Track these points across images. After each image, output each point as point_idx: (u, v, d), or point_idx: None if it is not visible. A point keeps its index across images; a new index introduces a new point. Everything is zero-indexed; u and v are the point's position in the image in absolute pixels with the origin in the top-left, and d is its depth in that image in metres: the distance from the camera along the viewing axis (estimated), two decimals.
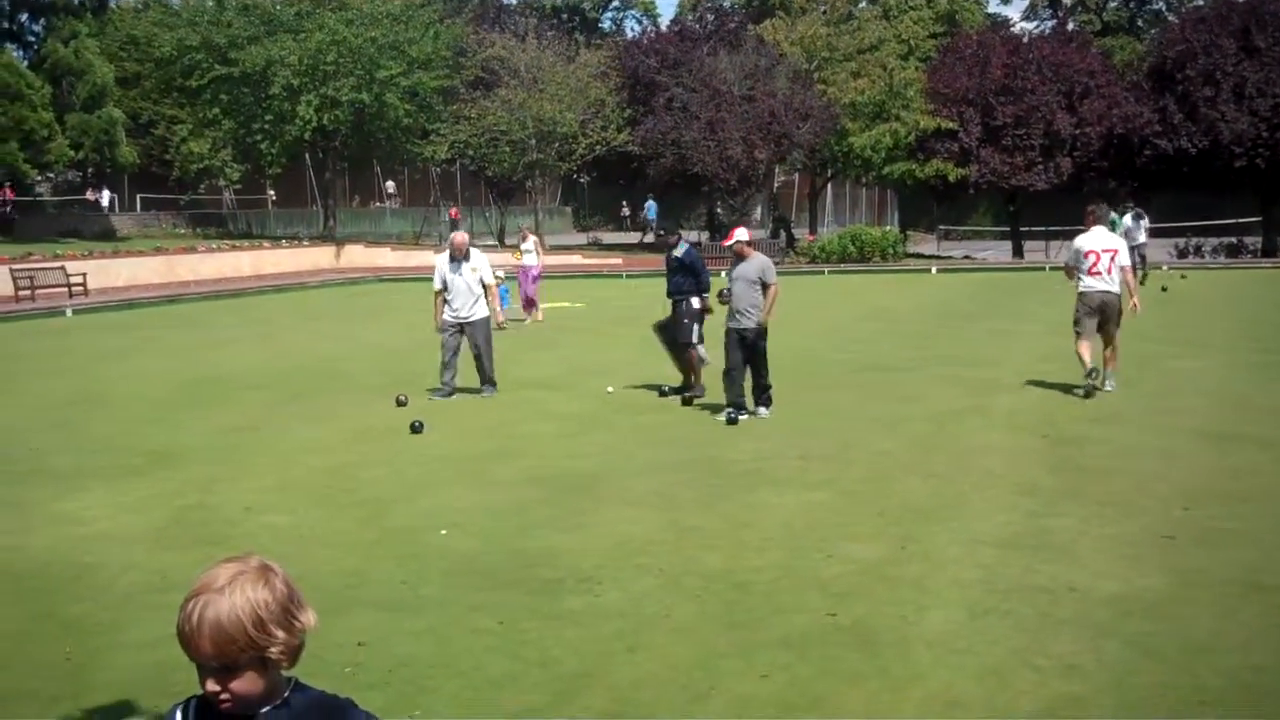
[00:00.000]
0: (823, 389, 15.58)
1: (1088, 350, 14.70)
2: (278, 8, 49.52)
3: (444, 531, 8.94)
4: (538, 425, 13.36)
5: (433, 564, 8.11)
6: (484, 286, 15.56)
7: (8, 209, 54.42)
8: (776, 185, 57.94)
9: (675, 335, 15.02)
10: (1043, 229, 49.26)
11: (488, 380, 15.65)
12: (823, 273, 41.70)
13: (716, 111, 45.99)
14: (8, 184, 56.03)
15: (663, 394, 15.07)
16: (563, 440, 12.54)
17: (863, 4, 57.56)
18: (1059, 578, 7.51)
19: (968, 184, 49.34)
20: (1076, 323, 14.96)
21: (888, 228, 52.98)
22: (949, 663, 6.16)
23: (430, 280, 16.06)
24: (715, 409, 13.91)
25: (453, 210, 56.50)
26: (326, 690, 2.52)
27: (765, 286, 13.50)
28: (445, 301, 15.47)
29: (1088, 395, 14.39)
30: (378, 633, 6.72)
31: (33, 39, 50.23)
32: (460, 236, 16.03)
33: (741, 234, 13.87)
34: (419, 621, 6.94)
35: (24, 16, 49.73)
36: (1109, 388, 14.83)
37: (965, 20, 70.75)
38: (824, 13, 52.67)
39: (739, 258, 13.69)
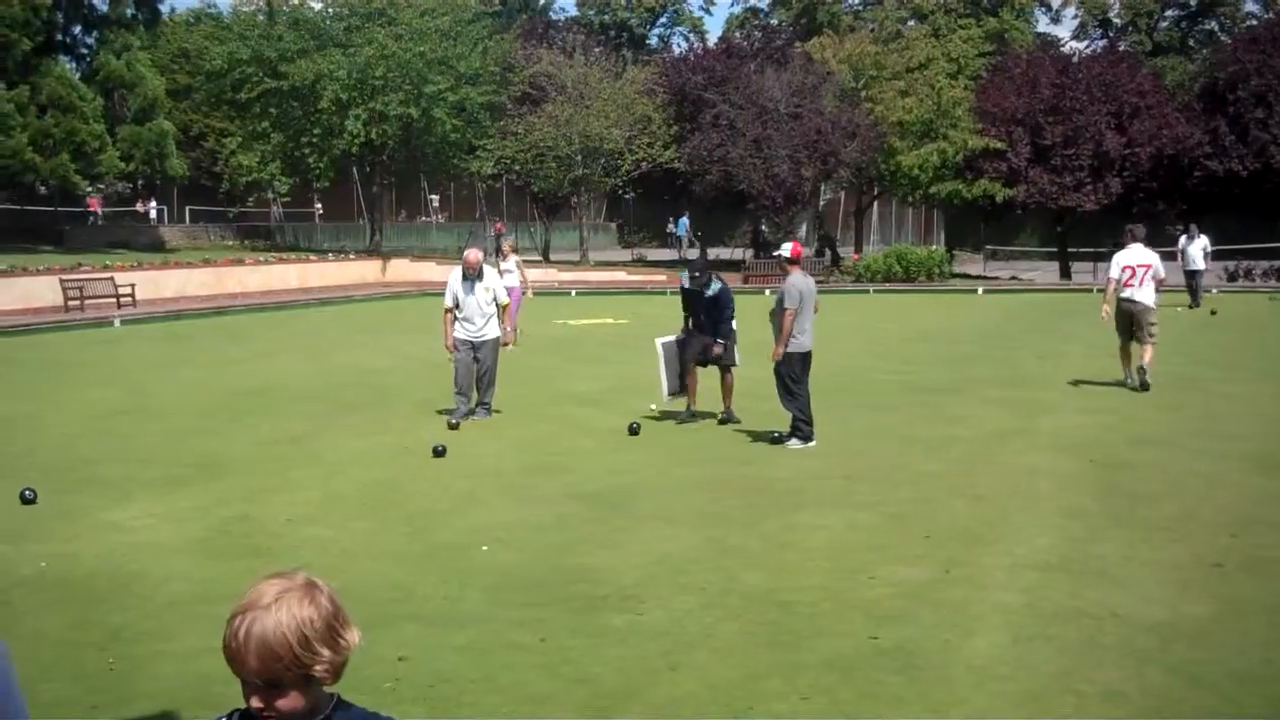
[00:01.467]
0: (868, 409, 15.52)
1: (1125, 359, 17.35)
2: (327, 22, 49.86)
3: (486, 547, 8.95)
4: (579, 441, 13.36)
5: (475, 579, 8.12)
6: (497, 305, 15.25)
7: (93, 220, 55.18)
8: (822, 203, 57.81)
9: (710, 356, 14.71)
10: (1090, 250, 48.89)
11: (484, 404, 15.21)
12: (868, 292, 41.56)
13: (763, 129, 45.96)
14: (91, 195, 56.83)
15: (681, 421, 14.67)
16: (604, 456, 12.53)
17: (911, 22, 57.43)
18: (1103, 603, 7.45)
19: (1015, 204, 49.04)
20: (1117, 329, 17.50)
21: (934, 247, 52.78)
22: (991, 688, 6.11)
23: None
24: (756, 431, 13.89)
25: (498, 224, 56.71)
26: (368, 708, 2.53)
27: (784, 311, 13.09)
28: (456, 320, 15.10)
29: (1135, 389, 16.80)
30: (419, 647, 6.73)
31: (86, 51, 50.78)
32: (474, 254, 15.63)
33: (783, 250, 13.43)
34: (460, 636, 6.94)
35: (77, 29, 50.26)
36: (1142, 381, 16.82)
37: (1015, 39, 70.50)
38: (872, 31, 52.65)
39: (785, 275, 13.49)
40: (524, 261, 26.30)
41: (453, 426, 14.18)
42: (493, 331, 15.16)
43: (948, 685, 6.16)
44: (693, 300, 14.86)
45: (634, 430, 13.71)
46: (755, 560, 8.53)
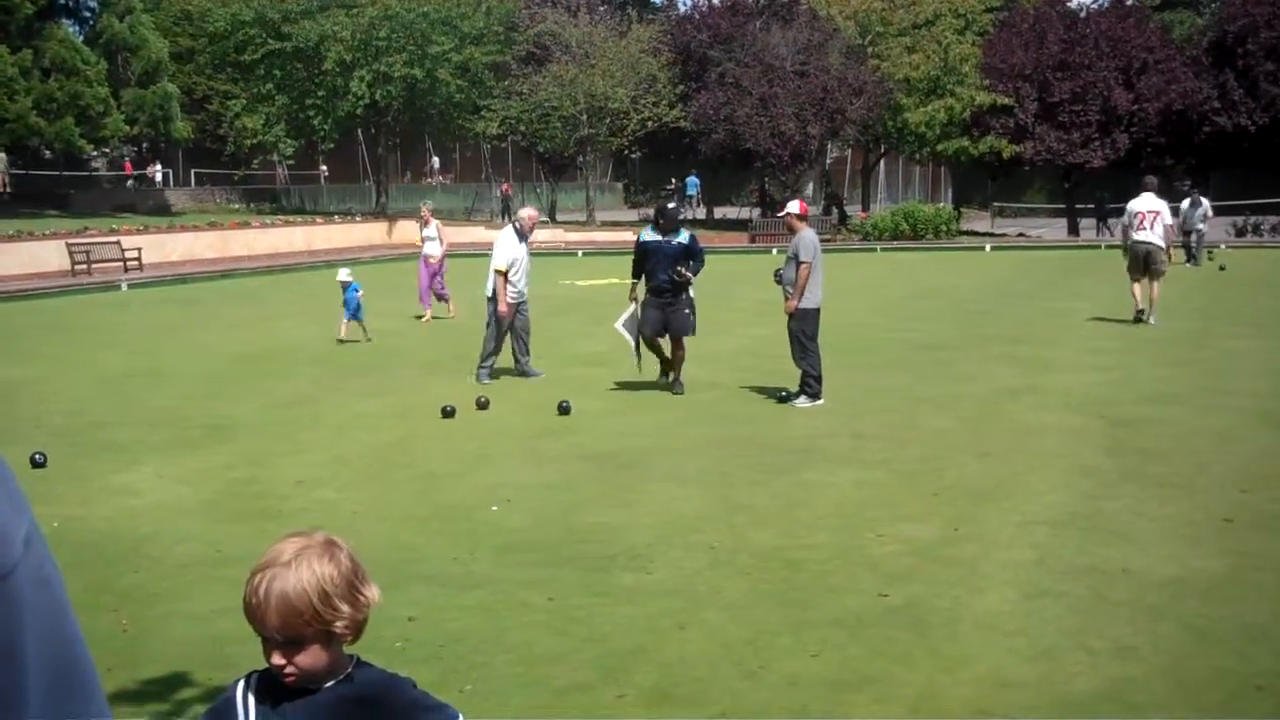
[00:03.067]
0: (876, 368, 15.50)
1: (1139, 291, 19.44)
2: None
3: (495, 507, 8.96)
4: (588, 402, 13.35)
5: (484, 540, 8.13)
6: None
7: (128, 184, 55.07)
8: (829, 162, 57.60)
9: (671, 328, 13.86)
10: (1094, 206, 48.73)
11: (525, 361, 15.29)
12: (875, 250, 41.46)
13: (769, 87, 45.76)
14: (127, 159, 56.68)
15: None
16: (613, 417, 12.53)
17: None
18: (1114, 560, 7.45)
19: (1023, 161, 48.90)
20: (1129, 267, 19.61)
21: (941, 205, 52.58)
22: (1001, 644, 6.12)
23: (487, 256, 15.43)
24: (765, 390, 13.88)
25: (504, 186, 56.50)
26: (385, 668, 2.54)
27: (799, 265, 12.92)
28: (509, 281, 14.95)
29: (1136, 321, 19.20)
30: (429, 607, 6.75)
31: (88, 14, 50.56)
32: (533, 212, 15.75)
33: (791, 207, 13.38)
34: (470, 597, 6.96)
35: None
36: (1153, 323, 19.14)
37: None
38: None
39: (791, 231, 13.43)
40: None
41: (483, 405, 13.03)
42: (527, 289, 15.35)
43: (957, 642, 6.16)
44: (653, 255, 13.85)
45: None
46: (764, 519, 8.54)
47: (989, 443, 10.91)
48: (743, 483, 9.60)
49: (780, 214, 13.65)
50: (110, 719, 1.15)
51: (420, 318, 21.99)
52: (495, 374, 15.02)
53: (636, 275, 14.26)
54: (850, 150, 60.67)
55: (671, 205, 14.44)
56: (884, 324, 20.15)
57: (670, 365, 14.07)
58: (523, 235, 15.19)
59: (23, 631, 1.01)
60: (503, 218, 54.54)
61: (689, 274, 13.73)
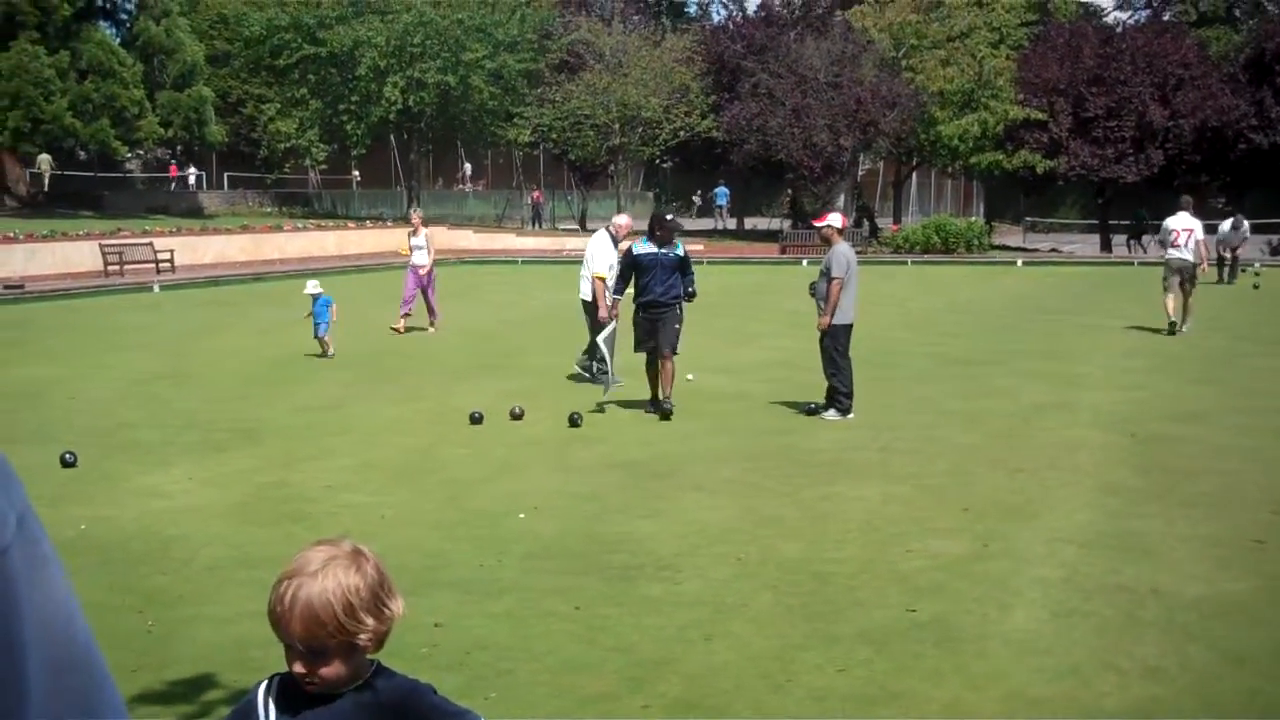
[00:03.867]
0: (905, 381, 15.45)
1: (1172, 304, 20.32)
2: None
3: (523, 515, 8.96)
4: (616, 411, 13.34)
5: (512, 547, 8.13)
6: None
7: (172, 185, 55.38)
8: (860, 173, 57.50)
9: (658, 341, 13.30)
10: (1132, 223, 48.48)
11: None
12: (906, 263, 41.32)
13: (802, 98, 45.71)
14: (174, 162, 57.03)
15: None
16: (642, 426, 12.52)
17: None
18: (1143, 579, 7.39)
19: (1056, 175, 48.70)
20: (1164, 280, 20.60)
21: (973, 219, 52.44)
22: (1030, 663, 6.07)
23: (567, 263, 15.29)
24: (794, 401, 13.83)
25: (535, 193, 56.52)
26: (407, 674, 2.54)
27: (831, 280, 12.78)
28: (606, 286, 14.80)
29: (1170, 333, 19.99)
30: (455, 614, 6.74)
31: (125, 17, 50.87)
32: (625, 220, 15.98)
33: (832, 219, 13.16)
34: (497, 604, 6.95)
35: None
36: (1186, 330, 20.21)
37: (1058, 9, 69.68)
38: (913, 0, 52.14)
39: (828, 245, 13.16)
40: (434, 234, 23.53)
41: (517, 416, 12.89)
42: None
43: (986, 659, 6.12)
44: (649, 267, 13.30)
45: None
46: (792, 531, 8.51)
47: (1018, 459, 10.85)
48: (771, 494, 9.57)
49: (819, 224, 13.40)
50: (114, 694, 1.14)
51: (395, 329, 20.98)
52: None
53: (620, 290, 13.90)
54: (882, 162, 60.56)
55: (670, 216, 13.95)
56: (914, 338, 20.09)
57: (659, 385, 13.37)
58: (616, 241, 15.29)
59: (20, 612, 1.00)
60: (533, 225, 54.65)
61: (691, 290, 13.55)
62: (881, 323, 21.59)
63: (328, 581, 2.31)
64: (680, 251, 13.47)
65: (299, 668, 2.34)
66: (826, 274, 12.83)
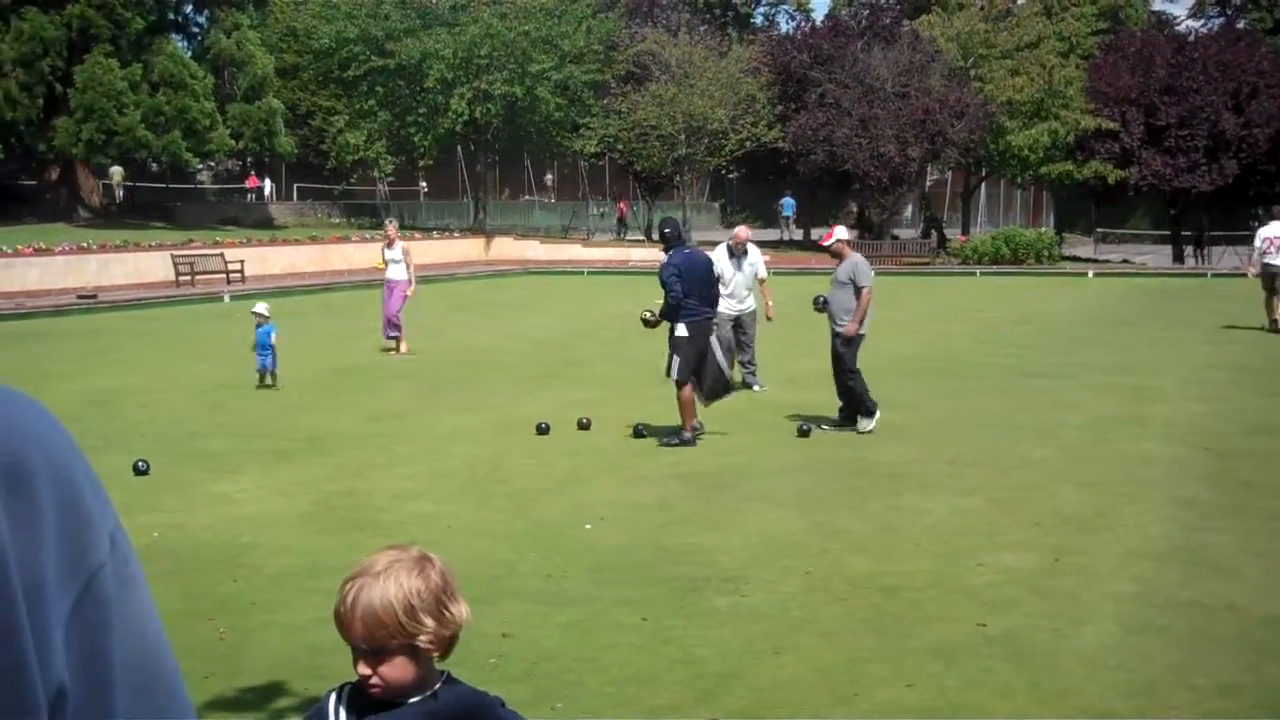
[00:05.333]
0: (974, 393, 15.30)
1: (1267, 308, 22.28)
2: (434, 1, 50.21)
3: (589, 525, 8.95)
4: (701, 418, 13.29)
5: (578, 558, 8.12)
6: (759, 280, 15.77)
7: (253, 197, 56.14)
8: (928, 184, 57.16)
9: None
10: (1192, 233, 47.89)
11: (750, 370, 15.79)
12: (974, 274, 41.00)
13: (869, 108, 45.51)
14: (251, 173, 57.82)
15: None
16: (707, 437, 12.47)
17: (1022, 0, 56.44)
18: (1217, 595, 7.27)
19: (1127, 186, 48.15)
20: (1263, 287, 22.58)
21: (1043, 229, 51.95)
22: (1101, 678, 5.99)
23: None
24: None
25: (621, 204, 56.18)
26: (475, 685, 2.54)
27: (858, 290, 12.63)
28: (724, 296, 14.86)
29: (1272, 332, 21.75)
30: (522, 624, 6.75)
31: (197, 30, 51.66)
32: (744, 231, 15.97)
33: (841, 233, 13.07)
34: (563, 615, 6.95)
35: (189, 8, 51.17)
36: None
37: (1129, 18, 69.03)
38: (982, 9, 51.77)
39: (838, 259, 12.96)
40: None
41: (584, 426, 12.84)
42: (752, 304, 15.63)
43: (1058, 675, 6.04)
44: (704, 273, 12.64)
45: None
46: (859, 544, 8.45)
47: (1090, 472, 10.71)
48: (837, 507, 9.51)
49: (827, 241, 13.07)
50: (192, 718, 1.14)
51: (387, 351, 19.77)
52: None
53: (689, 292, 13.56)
54: (950, 173, 60.17)
55: (667, 229, 12.81)
56: (983, 350, 19.89)
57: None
58: (733, 253, 15.43)
59: (110, 630, 1.01)
60: (619, 234, 54.64)
61: (650, 314, 12.76)
62: (950, 335, 21.44)
63: (390, 583, 2.33)
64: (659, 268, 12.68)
65: (362, 669, 2.37)
66: (848, 284, 12.68)
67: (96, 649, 1.01)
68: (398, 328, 19.57)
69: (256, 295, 32.73)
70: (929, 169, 53.09)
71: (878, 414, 12.73)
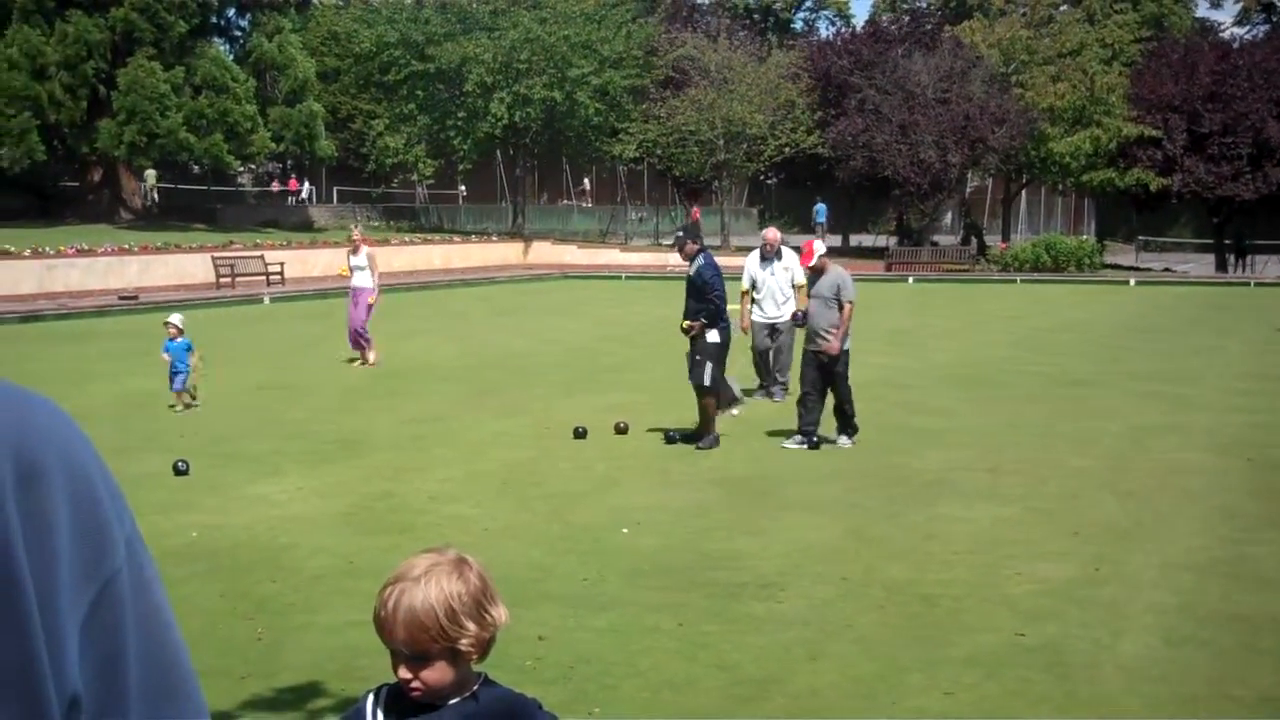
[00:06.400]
0: (1014, 401, 15.21)
1: None
2: (474, 6, 50.44)
3: (626, 530, 8.95)
4: (720, 426, 13.28)
5: (615, 562, 8.12)
6: (794, 286, 14.96)
7: (294, 200, 56.53)
8: (969, 190, 56.90)
9: (689, 369, 12.58)
10: (1231, 241, 47.44)
11: (781, 383, 15.15)
12: (1015, 281, 40.79)
13: (909, 114, 45.36)
14: (292, 176, 58.23)
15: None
16: (745, 442, 12.45)
17: (1064, 7, 56.13)
18: (1261, 607, 7.20)
19: (1170, 193, 47.83)
20: None
21: (1084, 237, 51.62)
22: (1142, 690, 5.94)
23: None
24: (899, 421, 13.68)
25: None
26: (513, 687, 2.54)
27: (841, 305, 12.12)
28: (754, 302, 14.96)
29: None
30: (559, 628, 6.75)
31: (239, 34, 51.99)
32: (773, 234, 15.42)
33: (820, 248, 12.55)
34: (600, 619, 6.94)
35: (231, 12, 51.50)
36: None
37: (1173, 25, 68.58)
38: (1024, 15, 51.55)
39: (817, 273, 12.37)
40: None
41: (622, 430, 12.81)
42: (789, 311, 14.73)
43: (1097, 686, 5.99)
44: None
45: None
46: (897, 551, 8.41)
47: (1130, 482, 10.63)
48: (875, 514, 9.47)
49: (809, 262, 12.38)
50: None
51: (353, 361, 18.64)
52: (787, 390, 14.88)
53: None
54: (991, 179, 59.89)
55: (680, 232, 12.98)
56: (1022, 357, 19.76)
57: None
58: (765, 256, 15.04)
59: (126, 635, 1.02)
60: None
61: (695, 324, 12.34)
62: (989, 342, 21.33)
63: (430, 587, 2.33)
64: (691, 271, 12.46)
65: (403, 673, 2.37)
66: (832, 299, 12.11)
67: (112, 653, 1.01)
68: (365, 338, 18.55)
69: (298, 297, 33.00)
70: (969, 175, 52.85)
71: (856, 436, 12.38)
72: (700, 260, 12.38)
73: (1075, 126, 47.47)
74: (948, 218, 57.26)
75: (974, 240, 50.09)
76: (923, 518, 9.36)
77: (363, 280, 18.67)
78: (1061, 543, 8.65)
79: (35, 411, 1.00)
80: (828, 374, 12.15)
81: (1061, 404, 14.99)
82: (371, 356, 18.38)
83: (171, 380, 14.17)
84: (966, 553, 8.38)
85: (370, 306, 18.49)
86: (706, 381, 12.23)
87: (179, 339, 14.24)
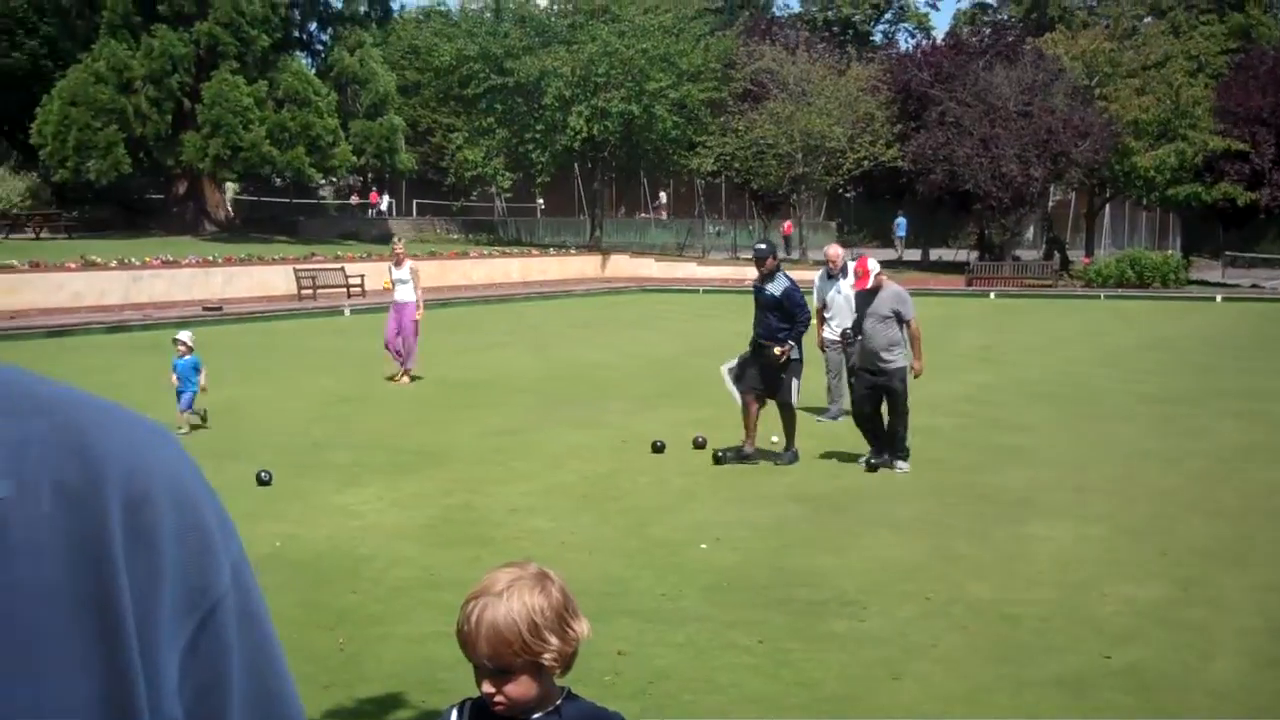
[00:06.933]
0: (1099, 420, 14.98)
1: None
2: (552, 19, 50.69)
3: (705, 545, 8.91)
4: (800, 442, 13.19)
5: (693, 577, 8.08)
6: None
7: (373, 213, 57.20)
8: (1051, 205, 56.26)
9: (767, 386, 12.29)
10: None
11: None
12: (1098, 297, 40.24)
13: (991, 127, 44.93)
14: (375, 188, 58.94)
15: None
16: (826, 458, 12.37)
17: (1148, 19, 55.45)
18: None
19: (1258, 208, 47.03)
20: None
21: (1169, 252, 50.85)
22: (1231, 714, 5.83)
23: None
24: (984, 438, 13.52)
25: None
26: (596, 702, 2.54)
27: (902, 322, 11.74)
28: (824, 320, 14.68)
29: None
30: (637, 643, 6.72)
31: (321, 48, 52.60)
32: (834, 250, 15.02)
33: (875, 266, 12.03)
34: (678, 634, 6.91)
35: (313, 26, 52.19)
36: None
37: (1260, 36, 67.43)
38: (1107, 27, 50.95)
39: (873, 292, 11.86)
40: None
41: (700, 445, 12.69)
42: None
43: (1185, 710, 5.89)
44: (756, 302, 12.44)
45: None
46: (981, 570, 8.30)
47: (1220, 502, 10.44)
48: (959, 532, 9.35)
49: (865, 284, 11.82)
50: None
51: (392, 378, 18.11)
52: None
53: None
54: (1074, 194, 59.21)
55: (762, 245, 12.61)
56: (1107, 375, 19.47)
57: (750, 436, 12.27)
58: (830, 274, 14.64)
59: (229, 664, 1.00)
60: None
61: (786, 349, 12.07)
62: (1073, 359, 21.07)
63: (513, 602, 2.35)
64: (776, 291, 12.13)
65: (487, 687, 2.38)
66: (890, 317, 11.68)
67: (214, 683, 1.00)
68: (409, 352, 18.14)
69: (378, 309, 33.26)
70: (1052, 189, 52.25)
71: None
72: (784, 279, 12.21)
73: (1160, 140, 46.83)
74: (1030, 232, 56.63)
75: (1056, 255, 49.52)
76: (1007, 536, 9.24)
77: (405, 294, 18.20)
78: (1149, 563, 8.50)
79: (145, 437, 0.99)
80: (883, 394, 11.78)
81: (1148, 422, 14.75)
82: (405, 376, 18.01)
83: (178, 399, 13.63)
84: (1051, 572, 8.26)
85: (417, 322, 18.14)
86: (794, 399, 12.16)
87: (187, 356, 13.67)
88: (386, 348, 18.35)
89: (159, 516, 0.96)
